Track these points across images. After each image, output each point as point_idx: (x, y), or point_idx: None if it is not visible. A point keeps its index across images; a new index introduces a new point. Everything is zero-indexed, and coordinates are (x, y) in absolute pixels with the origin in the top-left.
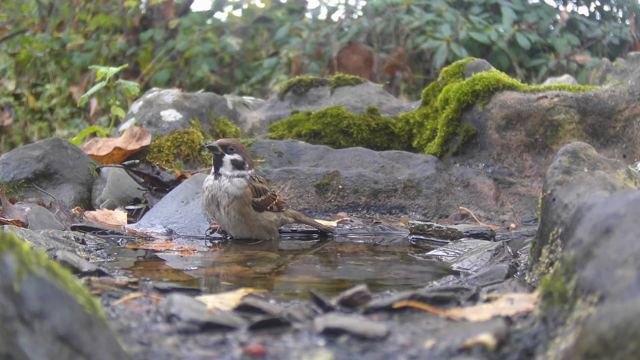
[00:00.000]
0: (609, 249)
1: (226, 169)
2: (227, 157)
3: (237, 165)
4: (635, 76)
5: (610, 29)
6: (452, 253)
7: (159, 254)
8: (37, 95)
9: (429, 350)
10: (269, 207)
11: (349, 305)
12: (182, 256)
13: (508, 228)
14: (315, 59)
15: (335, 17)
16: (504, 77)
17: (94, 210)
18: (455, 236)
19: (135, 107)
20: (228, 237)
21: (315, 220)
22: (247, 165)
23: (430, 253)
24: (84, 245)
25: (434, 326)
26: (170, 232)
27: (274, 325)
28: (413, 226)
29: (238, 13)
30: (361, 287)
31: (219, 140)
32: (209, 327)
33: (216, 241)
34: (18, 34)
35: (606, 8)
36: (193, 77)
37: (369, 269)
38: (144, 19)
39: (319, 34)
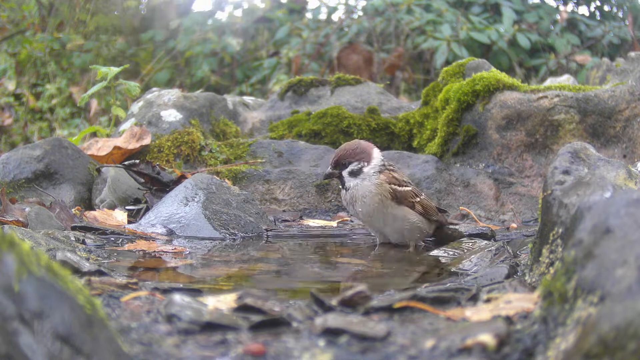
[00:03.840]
0: (609, 249)
1: (349, 182)
2: (345, 172)
3: (354, 174)
4: (636, 76)
5: (610, 29)
6: (453, 253)
7: (159, 254)
8: (37, 95)
9: (429, 350)
10: (411, 203)
11: (349, 305)
12: (182, 256)
13: (508, 228)
14: (315, 59)
15: (335, 17)
16: (504, 77)
17: (94, 210)
18: (456, 236)
19: (135, 107)
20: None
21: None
22: (365, 164)
23: (430, 253)
24: (84, 245)
25: (434, 326)
26: (170, 232)
27: (274, 325)
28: None
29: (238, 13)
30: (361, 287)
31: (334, 160)
32: (209, 327)
33: (216, 241)
34: (18, 34)
35: (606, 8)
36: (193, 77)
37: (369, 269)
38: (144, 20)
39: (319, 34)
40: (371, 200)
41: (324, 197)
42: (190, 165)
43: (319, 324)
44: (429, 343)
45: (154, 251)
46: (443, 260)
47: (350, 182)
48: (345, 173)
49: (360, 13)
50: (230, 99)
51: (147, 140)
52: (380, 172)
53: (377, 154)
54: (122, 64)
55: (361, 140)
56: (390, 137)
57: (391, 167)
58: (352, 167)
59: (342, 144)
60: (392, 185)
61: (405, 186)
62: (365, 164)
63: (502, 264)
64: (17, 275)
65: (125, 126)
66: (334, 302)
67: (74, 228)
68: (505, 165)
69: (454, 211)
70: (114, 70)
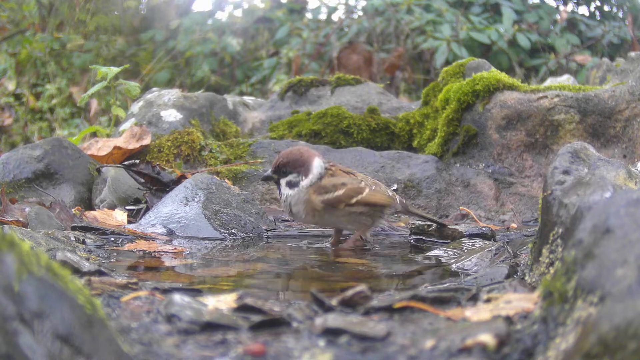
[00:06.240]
0: (609, 249)
1: (285, 191)
2: (283, 181)
3: (291, 185)
4: (636, 76)
5: (610, 29)
6: (453, 253)
7: (159, 254)
8: (37, 95)
9: (429, 350)
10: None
11: (350, 305)
12: (182, 256)
13: (508, 228)
14: (315, 59)
15: (335, 17)
16: (504, 77)
17: (94, 210)
18: (456, 236)
19: (135, 107)
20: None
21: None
22: (303, 177)
23: (430, 253)
24: (84, 245)
25: (434, 326)
26: (170, 232)
27: (274, 325)
28: (413, 226)
29: (238, 13)
30: (361, 287)
31: (275, 165)
32: (209, 327)
33: (216, 241)
34: (18, 34)
35: (606, 8)
36: (193, 77)
37: (370, 269)
38: (144, 20)
39: (319, 34)
40: (304, 207)
41: None
42: (190, 165)
43: (319, 324)
44: (429, 343)
45: (154, 251)
46: (443, 260)
47: (285, 191)
48: (283, 182)
49: (360, 13)
50: (230, 99)
51: (147, 140)
52: (311, 184)
53: (317, 165)
54: (122, 64)
55: (305, 150)
56: (390, 137)
57: (331, 170)
58: (291, 177)
59: (286, 149)
60: (321, 196)
61: (337, 190)
62: (303, 177)
63: (502, 264)
64: (17, 275)
65: (125, 126)
66: (334, 302)
67: (74, 228)
68: (505, 165)
69: (454, 211)
70: (114, 70)
